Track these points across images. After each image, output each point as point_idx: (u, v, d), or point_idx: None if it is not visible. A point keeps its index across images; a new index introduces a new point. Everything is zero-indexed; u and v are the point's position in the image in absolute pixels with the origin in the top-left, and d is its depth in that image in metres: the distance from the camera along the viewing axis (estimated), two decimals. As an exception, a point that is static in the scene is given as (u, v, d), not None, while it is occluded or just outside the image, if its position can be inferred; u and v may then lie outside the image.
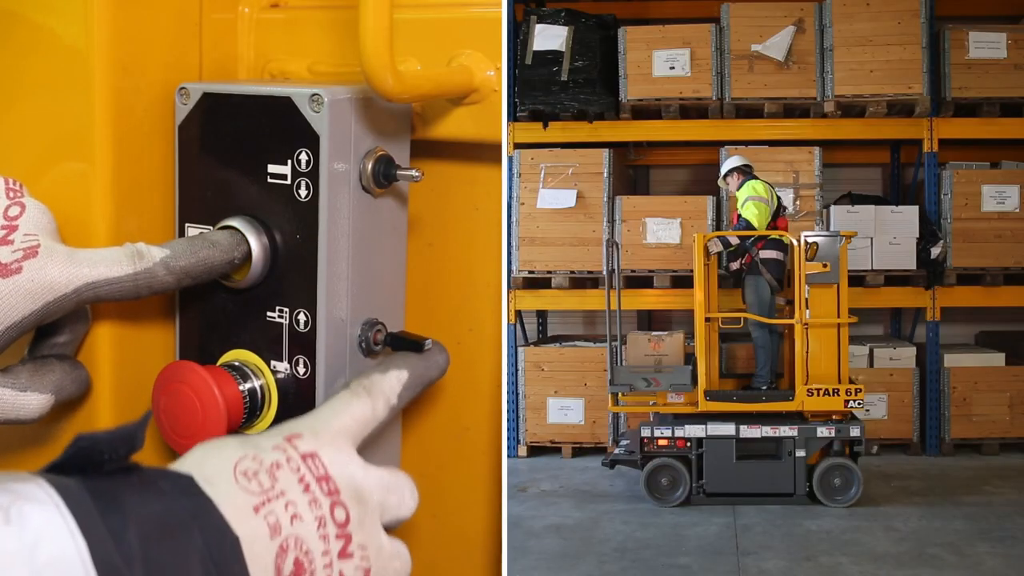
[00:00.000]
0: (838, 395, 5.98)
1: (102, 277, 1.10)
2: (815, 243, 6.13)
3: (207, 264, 1.16)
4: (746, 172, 6.64)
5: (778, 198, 6.59)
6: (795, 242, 6.09)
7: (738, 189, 6.60)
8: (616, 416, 7.39)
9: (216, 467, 0.90)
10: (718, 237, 6.39)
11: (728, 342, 7.07)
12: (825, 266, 6.04)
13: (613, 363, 6.38)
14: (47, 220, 1.14)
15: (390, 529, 1.03)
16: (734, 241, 6.41)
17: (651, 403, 6.35)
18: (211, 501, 0.85)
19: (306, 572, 0.91)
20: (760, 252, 6.40)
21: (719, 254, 6.47)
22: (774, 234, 6.39)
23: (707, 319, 6.26)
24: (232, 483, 0.89)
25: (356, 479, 0.99)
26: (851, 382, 6.05)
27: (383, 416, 1.10)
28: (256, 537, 0.87)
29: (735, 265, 6.55)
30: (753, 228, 6.35)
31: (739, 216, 6.52)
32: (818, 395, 5.99)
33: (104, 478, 0.79)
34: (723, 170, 6.79)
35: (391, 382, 1.14)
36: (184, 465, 0.90)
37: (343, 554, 0.94)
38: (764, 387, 6.34)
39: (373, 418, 1.08)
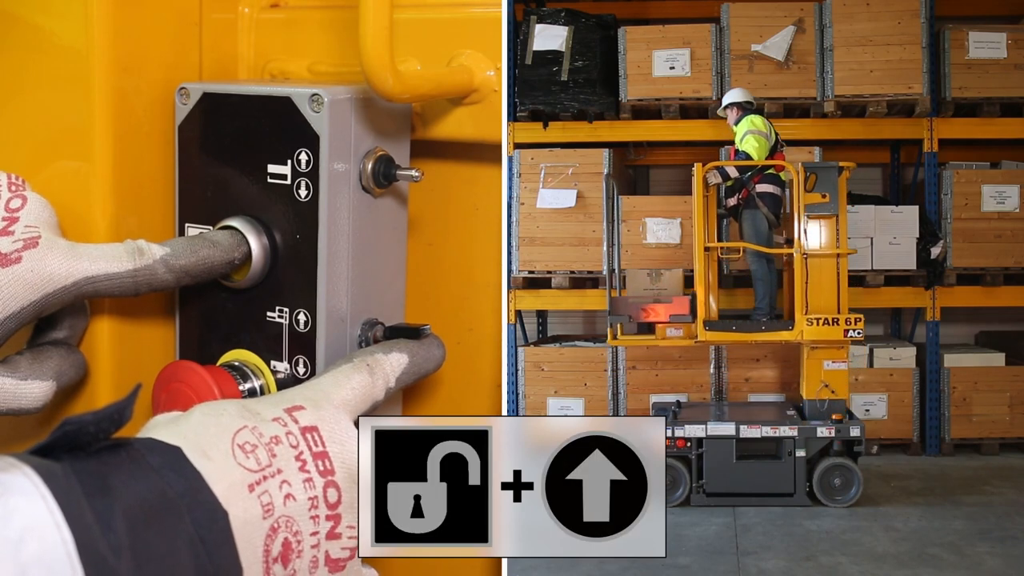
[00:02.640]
0: (838, 324, 6.00)
1: (102, 272, 1.10)
2: (814, 174, 6.12)
3: (207, 264, 1.16)
4: (746, 108, 6.62)
5: (776, 134, 6.55)
6: (794, 171, 6.06)
7: (736, 123, 6.57)
8: (616, 416, 7.39)
9: (214, 437, 0.89)
10: (717, 168, 6.36)
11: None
12: (824, 196, 6.05)
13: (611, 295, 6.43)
14: (48, 214, 1.14)
15: None
16: (732, 173, 6.37)
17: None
18: (202, 478, 0.84)
19: (293, 553, 0.90)
20: (756, 186, 6.35)
21: (716, 187, 6.45)
22: (772, 164, 6.34)
23: (706, 249, 6.26)
24: (229, 457, 0.88)
25: (353, 457, 0.99)
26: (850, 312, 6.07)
27: (380, 397, 1.10)
28: (248, 517, 0.86)
29: (732, 201, 6.50)
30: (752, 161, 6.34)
31: (736, 151, 6.48)
32: (818, 325, 6.01)
33: (92, 458, 0.79)
34: (724, 101, 6.77)
35: (392, 363, 1.13)
36: (180, 431, 0.89)
37: (331, 535, 0.94)
38: (764, 319, 6.33)
39: (372, 395, 1.08)
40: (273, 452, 0.92)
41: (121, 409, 0.81)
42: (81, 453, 0.79)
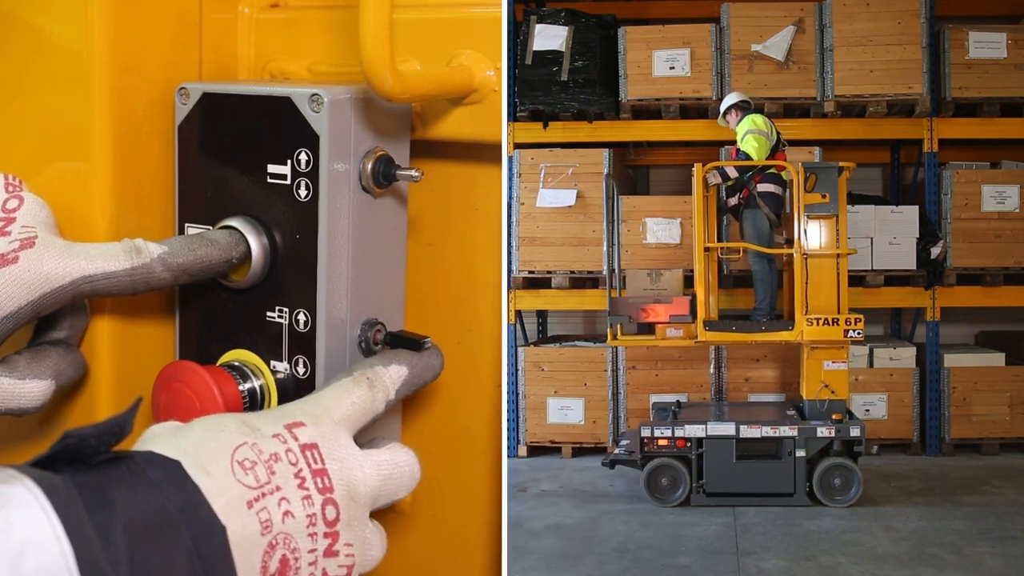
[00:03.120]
0: (837, 324, 6.01)
1: (99, 271, 1.10)
2: (814, 174, 6.12)
3: (205, 262, 1.16)
4: (744, 108, 6.61)
5: (777, 133, 6.53)
6: (794, 171, 6.04)
7: (738, 124, 6.57)
8: (616, 416, 7.39)
9: (213, 453, 0.89)
10: (716, 169, 6.34)
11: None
12: (824, 196, 6.05)
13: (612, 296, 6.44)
14: (46, 214, 1.14)
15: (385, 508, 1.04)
16: (732, 173, 6.36)
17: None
18: (201, 493, 0.84)
19: (291, 570, 0.90)
20: (758, 186, 6.34)
21: (717, 187, 6.44)
22: (772, 164, 6.33)
23: (706, 249, 6.26)
24: (228, 473, 0.88)
25: (352, 474, 0.98)
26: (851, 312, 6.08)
27: (380, 410, 1.10)
28: (246, 533, 0.87)
29: (733, 200, 6.50)
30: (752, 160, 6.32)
31: (738, 151, 6.47)
32: (818, 325, 6.02)
33: (92, 470, 0.79)
34: (722, 108, 6.76)
35: (392, 376, 1.13)
36: (180, 445, 0.89)
37: (329, 552, 0.94)
38: (764, 319, 6.32)
39: (372, 409, 1.08)
40: (272, 469, 0.92)
41: (122, 422, 0.82)
42: (82, 466, 0.79)
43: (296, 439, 0.96)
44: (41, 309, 1.10)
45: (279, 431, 0.96)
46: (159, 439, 0.90)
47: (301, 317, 1.21)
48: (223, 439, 0.91)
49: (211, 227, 1.24)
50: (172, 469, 0.84)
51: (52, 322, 1.21)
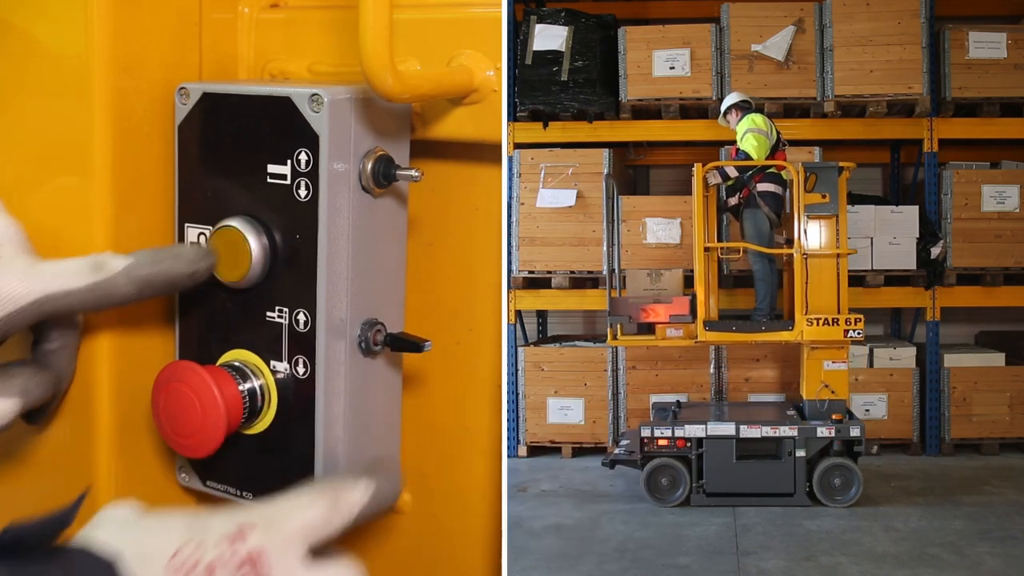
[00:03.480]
0: (837, 324, 6.02)
1: (60, 289, 1.10)
2: (814, 174, 6.12)
3: (168, 275, 1.15)
4: (745, 108, 6.61)
5: (777, 133, 6.53)
6: (794, 171, 6.03)
7: (738, 124, 6.56)
8: (616, 416, 7.39)
9: (154, 551, 0.91)
10: (716, 169, 6.34)
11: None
12: (824, 196, 6.05)
13: (612, 296, 6.44)
14: (14, 232, 1.13)
15: None
16: (732, 173, 6.36)
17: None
18: None
19: None
20: (758, 185, 6.34)
21: (717, 187, 6.44)
22: (772, 164, 6.32)
23: (706, 249, 6.26)
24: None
25: None
26: (850, 312, 6.08)
27: (337, 531, 1.05)
28: None
29: (733, 200, 6.49)
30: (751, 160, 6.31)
31: (738, 150, 6.46)
32: (818, 325, 6.02)
33: (29, 564, 0.82)
34: (723, 108, 6.75)
35: (357, 496, 1.07)
36: (124, 537, 0.91)
37: None
38: (764, 319, 6.32)
39: (328, 529, 1.04)
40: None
41: (64, 517, 0.85)
42: (20, 559, 0.82)
43: (244, 541, 0.96)
44: (7, 329, 1.09)
45: (230, 532, 0.96)
46: (109, 526, 0.93)
47: (301, 317, 1.21)
48: (169, 539, 0.93)
49: (211, 227, 1.24)
50: (105, 570, 0.87)
51: (42, 334, 1.20)
